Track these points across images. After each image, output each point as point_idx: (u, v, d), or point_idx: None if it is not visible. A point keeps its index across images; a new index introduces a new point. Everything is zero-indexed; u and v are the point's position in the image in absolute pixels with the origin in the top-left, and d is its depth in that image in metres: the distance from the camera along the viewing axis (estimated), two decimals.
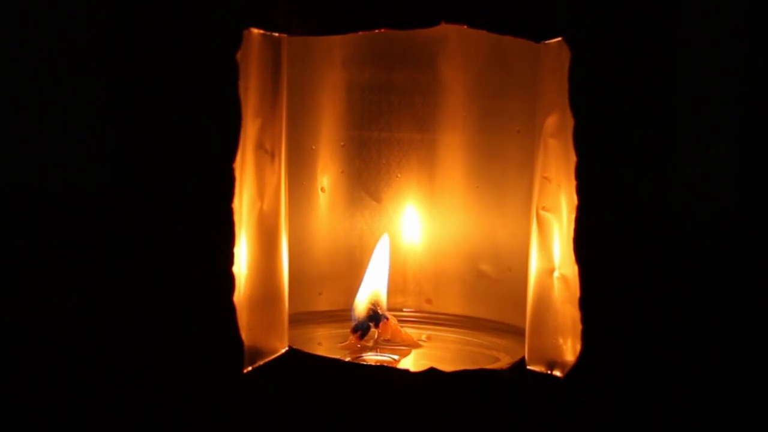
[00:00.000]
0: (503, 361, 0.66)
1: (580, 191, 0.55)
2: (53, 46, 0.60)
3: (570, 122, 0.55)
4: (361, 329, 0.69)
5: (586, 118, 0.54)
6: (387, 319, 0.69)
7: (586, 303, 0.55)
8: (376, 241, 0.76)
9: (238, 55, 0.54)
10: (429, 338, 0.72)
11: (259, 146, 0.58)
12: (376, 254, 0.73)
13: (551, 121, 0.58)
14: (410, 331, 0.71)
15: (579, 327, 0.55)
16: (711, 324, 0.63)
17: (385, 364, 0.65)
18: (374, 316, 0.69)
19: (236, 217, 0.54)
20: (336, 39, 0.73)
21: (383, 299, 0.71)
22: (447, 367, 0.58)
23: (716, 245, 0.62)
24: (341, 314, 0.73)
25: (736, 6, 0.62)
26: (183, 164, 0.56)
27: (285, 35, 0.59)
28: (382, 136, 0.76)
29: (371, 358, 0.67)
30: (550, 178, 0.58)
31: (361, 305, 0.70)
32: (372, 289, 0.71)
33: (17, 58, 0.60)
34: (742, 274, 0.63)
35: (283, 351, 0.60)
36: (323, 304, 0.76)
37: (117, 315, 0.57)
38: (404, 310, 0.77)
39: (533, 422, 0.57)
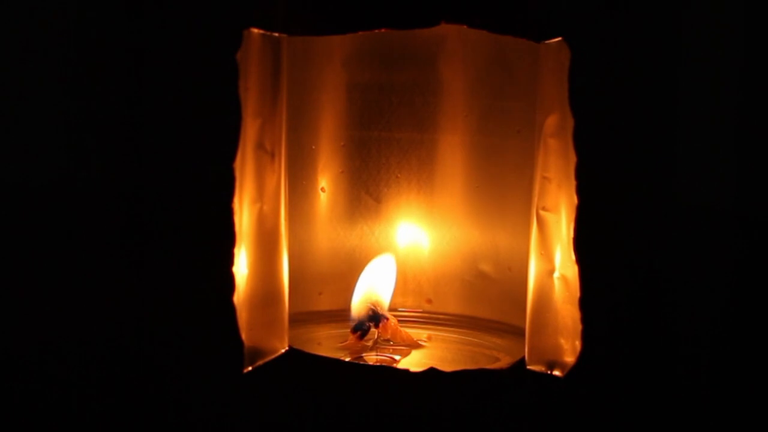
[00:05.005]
0: (503, 361, 0.66)
1: (580, 191, 0.55)
2: (54, 45, 0.60)
3: (570, 122, 0.55)
4: (361, 329, 0.69)
5: (586, 118, 0.54)
6: (387, 319, 0.69)
7: (586, 303, 0.55)
8: (377, 241, 0.76)
9: (238, 55, 0.54)
10: (429, 338, 0.72)
11: (259, 146, 0.58)
12: (378, 267, 0.73)
13: (551, 121, 0.58)
14: (410, 331, 0.71)
15: (579, 327, 0.55)
16: (711, 323, 0.63)
17: (385, 364, 0.65)
18: (374, 317, 0.69)
19: (236, 217, 0.54)
20: (336, 39, 0.73)
21: (385, 302, 0.71)
22: (447, 367, 0.58)
23: (716, 245, 0.62)
24: (341, 314, 0.73)
25: (736, 6, 0.62)
26: (183, 164, 0.56)
27: (285, 35, 0.59)
28: (382, 136, 0.76)
29: (371, 358, 0.67)
30: (550, 178, 0.58)
31: (357, 306, 0.70)
32: (368, 290, 0.71)
33: (23, 66, 0.60)
34: (742, 274, 0.63)
35: (283, 351, 0.60)
36: (323, 304, 0.76)
37: (117, 315, 0.57)
38: (404, 310, 0.77)
39: (533, 422, 0.57)
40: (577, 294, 0.55)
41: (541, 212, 0.59)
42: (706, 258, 0.62)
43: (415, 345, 0.70)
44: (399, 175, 0.76)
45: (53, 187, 0.60)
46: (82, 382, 0.59)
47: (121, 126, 0.57)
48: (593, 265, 0.55)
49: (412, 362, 0.67)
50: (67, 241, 0.59)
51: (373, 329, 0.69)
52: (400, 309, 0.76)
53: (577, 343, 0.56)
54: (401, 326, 0.70)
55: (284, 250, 0.61)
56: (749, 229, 0.63)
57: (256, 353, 0.57)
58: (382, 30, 0.58)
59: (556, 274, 0.58)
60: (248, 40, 0.55)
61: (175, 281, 0.56)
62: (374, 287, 0.72)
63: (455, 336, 0.73)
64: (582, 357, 0.56)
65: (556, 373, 0.58)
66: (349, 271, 0.74)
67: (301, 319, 0.72)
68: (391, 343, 0.69)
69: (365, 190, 0.77)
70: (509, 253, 0.74)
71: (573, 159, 0.55)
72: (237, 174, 0.54)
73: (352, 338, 0.69)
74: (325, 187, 0.76)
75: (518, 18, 0.57)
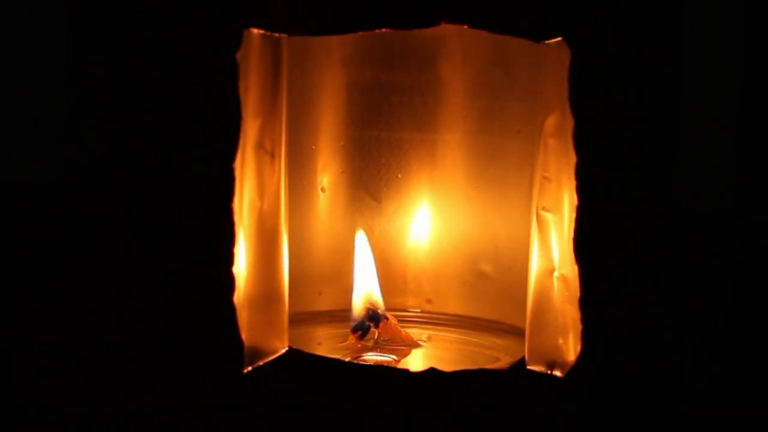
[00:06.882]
0: (503, 361, 0.66)
1: (580, 191, 0.55)
2: (54, 45, 0.60)
3: (570, 122, 0.55)
4: (361, 329, 0.69)
5: (586, 118, 0.54)
6: (387, 319, 0.69)
7: (586, 303, 0.55)
8: (377, 241, 0.76)
9: (238, 55, 0.54)
10: (429, 338, 0.72)
11: (259, 146, 0.58)
12: (359, 253, 0.73)
13: (551, 121, 0.58)
14: (410, 331, 0.71)
15: (579, 327, 0.55)
16: (711, 323, 0.63)
17: (385, 364, 0.65)
18: (374, 316, 0.69)
19: (236, 217, 0.54)
20: (336, 39, 0.73)
21: (379, 298, 0.71)
22: (447, 367, 0.58)
23: (716, 245, 0.62)
24: (341, 314, 0.73)
25: (736, 6, 0.62)
26: (183, 164, 0.56)
27: (285, 35, 0.59)
28: (382, 136, 0.76)
29: (371, 358, 0.67)
30: (550, 178, 0.58)
31: (357, 306, 0.70)
32: (366, 288, 0.71)
33: (23, 66, 0.60)
34: (742, 274, 0.63)
35: (283, 351, 0.60)
36: (323, 304, 0.76)
37: (116, 315, 0.57)
38: (404, 310, 0.76)
39: (533, 422, 0.57)
40: (577, 294, 0.55)
41: (541, 212, 0.59)
42: (706, 258, 0.62)
43: (415, 345, 0.70)
44: (399, 175, 0.76)
45: (53, 187, 0.60)
46: (82, 382, 0.59)
47: (120, 126, 0.57)
48: (593, 265, 0.55)
49: (412, 362, 0.67)
50: (67, 241, 0.59)
51: (373, 329, 0.69)
52: (400, 309, 0.76)
53: (577, 343, 0.56)
54: (401, 326, 0.70)
55: (284, 250, 0.61)
56: (749, 229, 0.63)
57: (256, 353, 0.57)
58: (382, 30, 0.58)
59: (556, 274, 0.58)
60: (248, 40, 0.55)
61: (175, 281, 0.56)
62: (371, 287, 0.72)
63: (455, 336, 0.73)
64: (582, 357, 0.56)
65: (556, 373, 0.58)
66: (349, 271, 0.74)
67: (301, 319, 0.72)
68: (391, 343, 0.69)
69: (365, 190, 0.77)
70: (509, 253, 0.74)
71: (573, 159, 0.55)
72: (237, 174, 0.54)
73: (352, 338, 0.69)
74: (325, 187, 0.76)
75: (518, 18, 0.57)
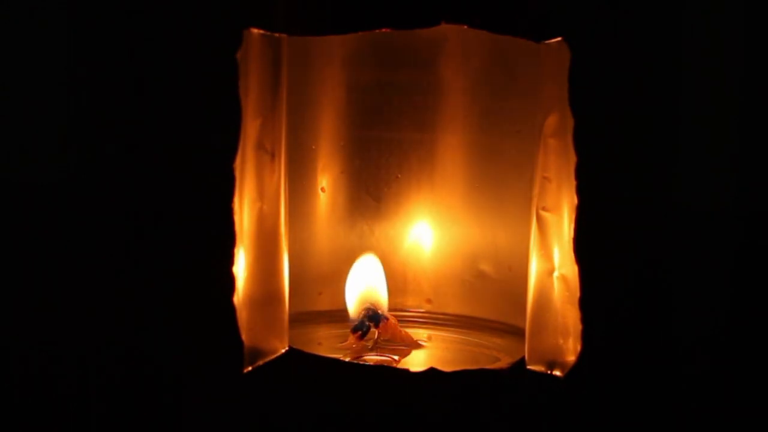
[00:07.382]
0: (503, 361, 0.66)
1: (580, 191, 0.55)
2: (54, 45, 0.60)
3: (570, 122, 0.55)
4: (361, 329, 0.69)
5: (586, 118, 0.54)
6: (387, 319, 0.69)
7: (586, 303, 0.55)
8: (377, 241, 0.76)
9: (238, 55, 0.54)
10: (429, 338, 0.72)
11: (259, 146, 0.58)
12: (365, 268, 0.73)
13: (551, 121, 0.58)
14: (410, 331, 0.71)
15: (579, 327, 0.55)
16: (711, 323, 0.63)
17: (385, 364, 0.65)
18: (374, 316, 0.69)
19: (236, 217, 0.54)
20: (336, 39, 0.73)
21: (384, 302, 0.71)
22: (447, 367, 0.58)
23: (716, 245, 0.62)
24: (341, 314, 0.73)
25: (736, 6, 0.62)
26: (183, 164, 0.56)
27: (285, 35, 0.59)
28: (382, 136, 0.76)
29: (371, 358, 0.67)
30: (550, 178, 0.58)
31: (355, 308, 0.70)
32: (366, 290, 0.71)
33: (23, 66, 0.60)
34: (742, 274, 0.63)
35: (283, 351, 0.60)
36: (323, 304, 0.76)
37: (116, 315, 0.57)
38: (404, 310, 0.76)
39: (533, 422, 0.57)
40: (577, 294, 0.55)
41: (541, 212, 0.59)
42: (706, 258, 0.62)
43: (415, 345, 0.70)
44: (399, 175, 0.76)
45: (53, 187, 0.60)
46: (82, 382, 0.59)
47: (121, 126, 0.57)
48: (593, 265, 0.55)
49: (412, 362, 0.67)
50: (67, 241, 0.59)
51: (373, 329, 0.69)
52: (400, 309, 0.76)
53: (577, 343, 0.56)
54: (401, 326, 0.70)
55: (284, 250, 0.61)
56: (749, 228, 0.63)
57: (256, 353, 0.57)
58: (383, 30, 0.58)
59: (556, 274, 0.58)
60: (248, 40, 0.55)
61: (175, 281, 0.56)
62: (371, 287, 0.72)
63: (455, 336, 0.73)
64: (582, 357, 0.56)
65: (556, 373, 0.58)
66: (349, 271, 0.74)
67: (301, 319, 0.72)
68: (391, 343, 0.69)
69: (365, 190, 0.77)
70: (509, 253, 0.74)
71: (573, 159, 0.55)
72: (237, 174, 0.54)
73: (352, 338, 0.69)
74: (325, 187, 0.76)
75: (518, 18, 0.57)
